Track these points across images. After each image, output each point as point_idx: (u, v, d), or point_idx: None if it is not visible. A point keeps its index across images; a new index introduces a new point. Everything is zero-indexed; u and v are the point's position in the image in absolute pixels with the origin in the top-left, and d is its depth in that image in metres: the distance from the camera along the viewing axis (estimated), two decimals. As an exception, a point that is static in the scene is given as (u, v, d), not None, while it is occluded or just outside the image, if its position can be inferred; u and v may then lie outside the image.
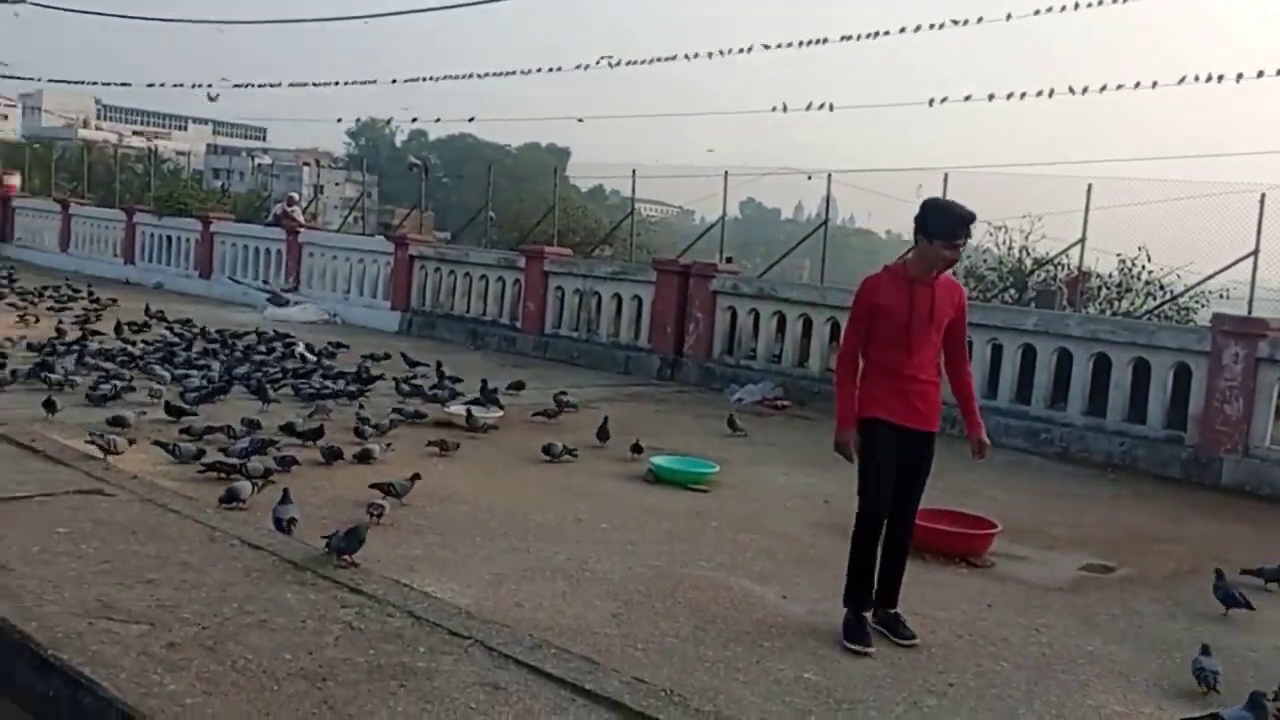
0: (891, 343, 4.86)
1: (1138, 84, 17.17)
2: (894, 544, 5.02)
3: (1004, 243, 17.89)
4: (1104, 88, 17.94)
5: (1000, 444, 10.47)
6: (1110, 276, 16.98)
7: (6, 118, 78.28)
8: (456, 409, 9.44)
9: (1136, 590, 6.11)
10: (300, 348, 12.40)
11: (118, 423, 7.62)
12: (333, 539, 4.81)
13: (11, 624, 3.72)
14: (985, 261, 18.39)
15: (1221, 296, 14.56)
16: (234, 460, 6.78)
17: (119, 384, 9.18)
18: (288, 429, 7.88)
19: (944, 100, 18.71)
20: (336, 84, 28.72)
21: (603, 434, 8.77)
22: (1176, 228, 14.17)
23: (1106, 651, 5.04)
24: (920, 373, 4.88)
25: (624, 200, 22.46)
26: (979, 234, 17.61)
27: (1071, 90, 17.76)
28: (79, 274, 21.21)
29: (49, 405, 7.89)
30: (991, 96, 18.52)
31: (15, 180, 27.93)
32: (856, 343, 4.97)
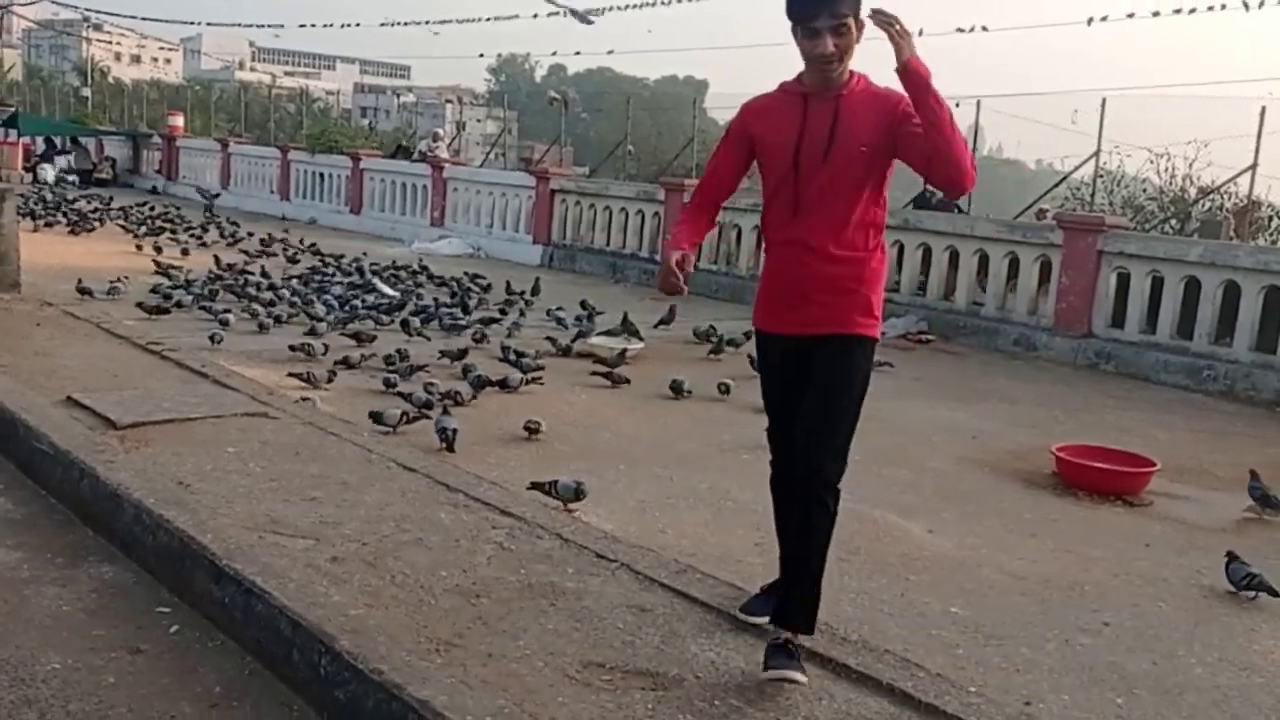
0: (776, 195, 3.29)
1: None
2: (793, 512, 3.30)
3: (1166, 170, 16.99)
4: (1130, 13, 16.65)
5: (1160, 381, 10.11)
6: (1284, 205, 15.96)
7: (170, 61, 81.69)
8: (598, 340, 9.55)
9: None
10: (380, 286, 12.16)
11: (305, 350, 8.07)
12: (554, 486, 5.12)
13: (191, 535, 3.94)
14: (1145, 191, 17.51)
15: None
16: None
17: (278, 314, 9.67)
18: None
19: (1104, 19, 17.73)
20: (478, 20, 28.91)
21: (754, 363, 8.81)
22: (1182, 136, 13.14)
23: (1274, 602, 4.81)
24: (821, 243, 3.22)
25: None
26: (1138, 161, 16.75)
27: (1245, 5, 16.56)
28: (238, 210, 22.10)
29: (213, 338, 8.35)
30: (1156, 14, 17.47)
31: (179, 121, 29.14)
32: (707, 180, 3.57)
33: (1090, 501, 6.07)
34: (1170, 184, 17.09)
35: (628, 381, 8.10)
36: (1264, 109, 13.02)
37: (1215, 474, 6.94)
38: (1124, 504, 6.09)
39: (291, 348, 8.17)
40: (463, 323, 10.07)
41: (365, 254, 14.91)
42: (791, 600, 3.26)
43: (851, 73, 3.19)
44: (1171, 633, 4.34)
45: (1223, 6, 17.11)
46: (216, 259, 13.16)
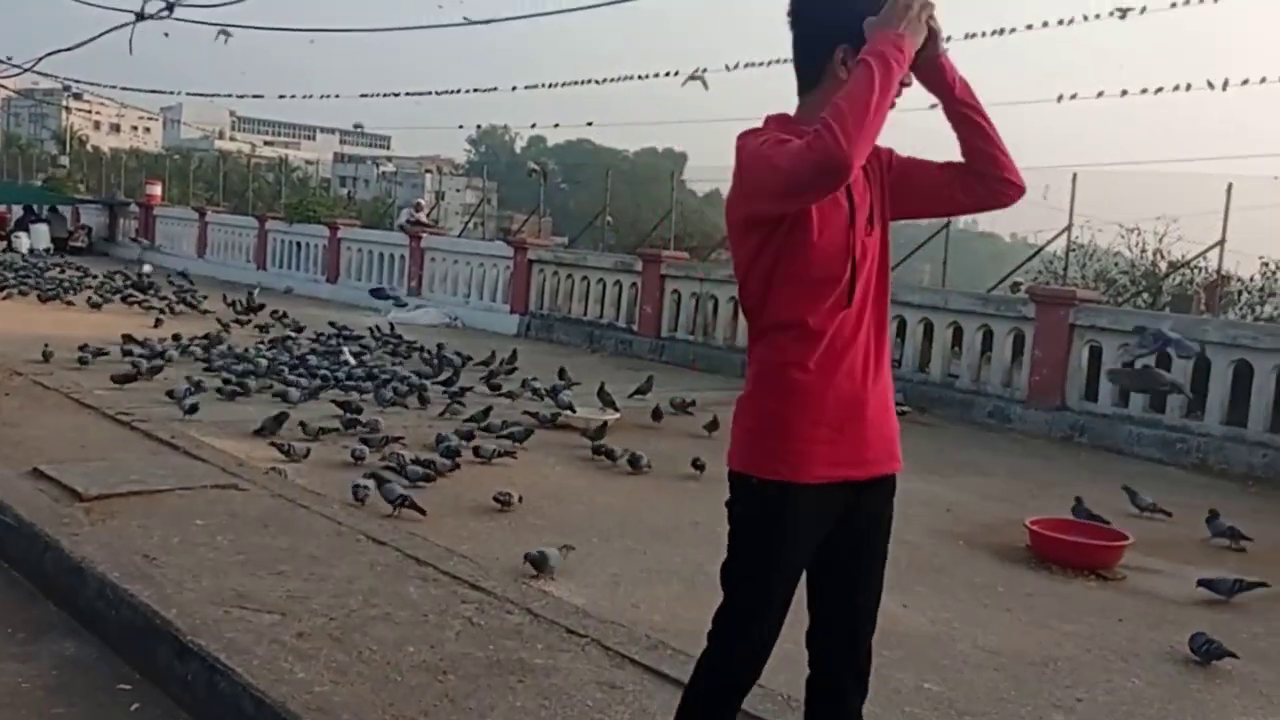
0: (820, 283, 2.38)
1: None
2: None
3: (1137, 245, 17.26)
4: (1245, 81, 17.08)
5: (1133, 454, 10.16)
6: (1252, 280, 16.22)
7: (149, 130, 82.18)
8: (574, 412, 9.54)
9: (1279, 608, 5.82)
10: (345, 354, 12.07)
11: (277, 423, 7.94)
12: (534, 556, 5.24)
13: (155, 609, 3.88)
14: (1117, 265, 17.77)
15: (1374, 301, 13.79)
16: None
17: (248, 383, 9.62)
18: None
19: (1074, 97, 18.09)
20: (458, 92, 29.24)
21: (712, 426, 8.83)
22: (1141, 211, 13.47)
23: (1247, 671, 4.80)
24: (875, 344, 2.49)
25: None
26: (1110, 236, 17.06)
27: (1210, 84, 16.98)
28: (214, 279, 22.09)
29: (193, 409, 8.25)
30: (1124, 93, 17.86)
31: (157, 190, 29.24)
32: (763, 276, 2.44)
33: (1064, 575, 6.06)
34: (1141, 258, 17.36)
35: (613, 454, 7.93)
36: (1230, 185, 13.31)
37: (1188, 548, 6.95)
38: (1097, 578, 6.09)
39: (256, 431, 7.95)
40: (438, 393, 10.06)
41: (340, 329, 14.89)
42: None
43: None
44: (1145, 708, 4.32)
45: (1189, 87, 17.54)
46: (215, 330, 13.12)
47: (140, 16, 10.77)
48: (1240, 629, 5.37)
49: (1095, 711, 4.23)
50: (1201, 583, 5.90)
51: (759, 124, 2.44)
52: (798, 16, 2.45)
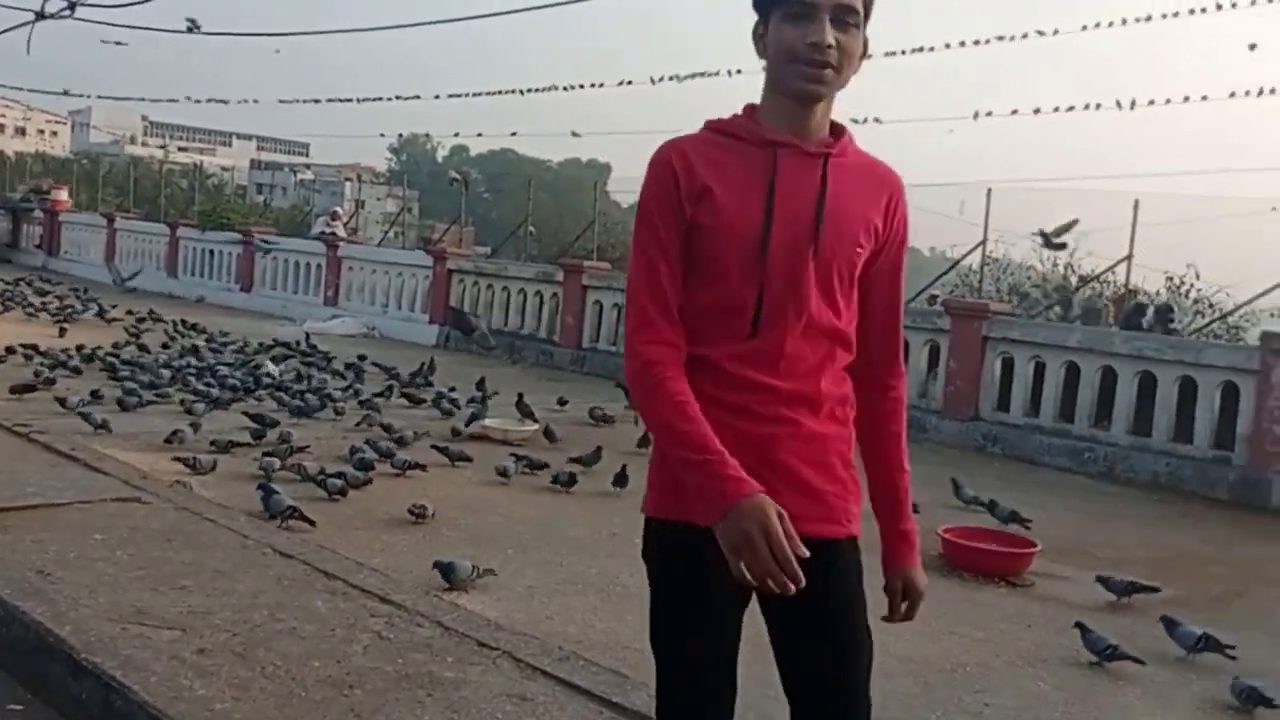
0: (726, 305, 2.03)
1: (1186, 98, 16.99)
2: None
3: (1049, 259, 17.69)
4: (1151, 101, 17.72)
5: (1044, 463, 10.39)
6: (1158, 294, 16.72)
7: (56, 134, 79.87)
8: (491, 423, 9.46)
9: (1181, 612, 5.96)
10: (268, 366, 11.86)
11: (176, 437, 7.72)
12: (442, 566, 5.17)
13: (48, 628, 3.74)
14: (1029, 278, 18.19)
15: (1272, 315, 14.28)
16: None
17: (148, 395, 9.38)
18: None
19: (989, 114, 18.57)
20: (379, 99, 28.94)
21: (644, 442, 8.70)
22: (1227, 245, 13.98)
23: (1147, 673, 4.92)
24: (806, 389, 2.07)
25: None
26: (1024, 249, 17.44)
27: (1119, 104, 17.59)
28: (123, 288, 21.50)
29: (104, 425, 7.99)
30: (1037, 110, 18.40)
31: (63, 195, 28.40)
32: (657, 289, 2.03)
33: (975, 582, 6.16)
34: (1053, 272, 17.79)
35: (545, 466, 7.84)
36: (1137, 202, 13.71)
37: (1094, 554, 7.11)
38: (1007, 584, 6.20)
39: (167, 440, 7.77)
40: (349, 403, 9.90)
41: (246, 342, 14.60)
42: None
43: (836, 124, 2.09)
44: (1050, 711, 4.39)
45: (1098, 106, 18.12)
46: (129, 337, 12.75)
47: (40, 16, 10.46)
48: (1142, 632, 5.50)
49: (1002, 715, 4.30)
50: (1099, 579, 6.06)
51: (689, 131, 2.10)
52: None
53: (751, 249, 1.98)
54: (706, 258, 2.01)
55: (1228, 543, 7.92)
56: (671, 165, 2.01)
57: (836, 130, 2.08)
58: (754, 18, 2.05)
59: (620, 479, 7.44)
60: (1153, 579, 6.27)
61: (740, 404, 2.03)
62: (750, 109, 2.08)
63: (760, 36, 2.03)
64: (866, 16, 2.02)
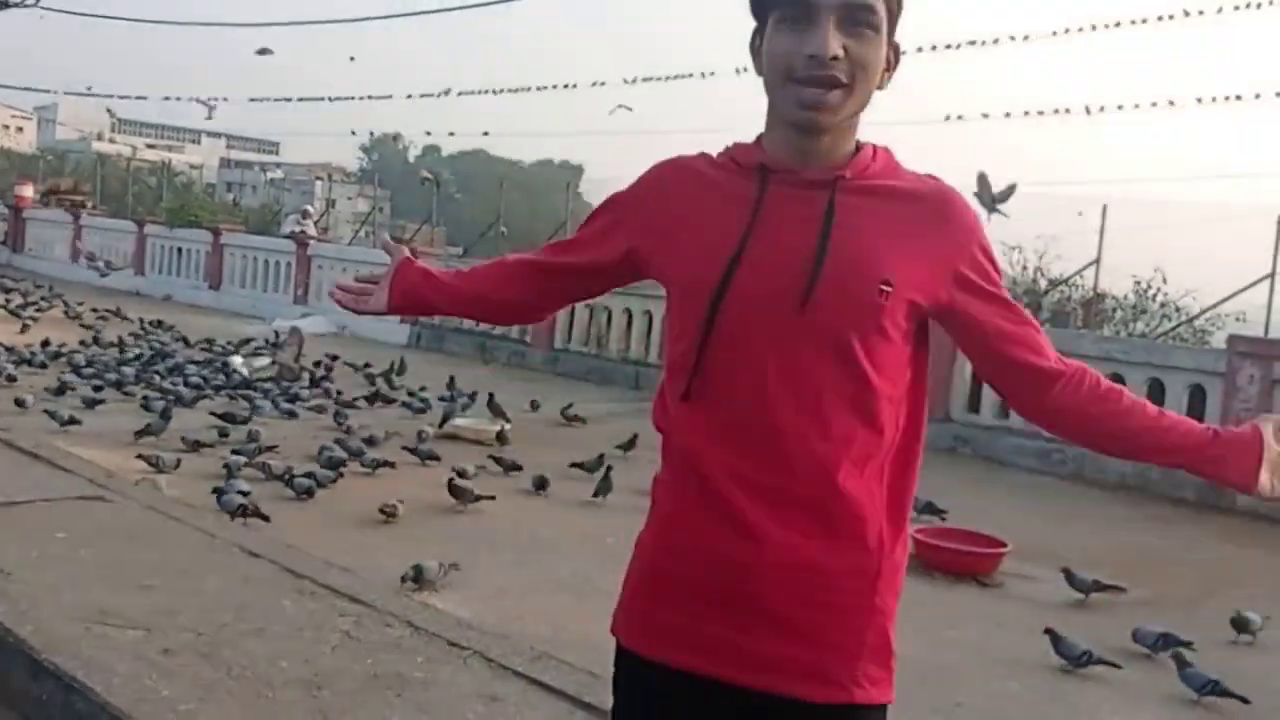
0: (678, 364, 1.66)
1: (1154, 104, 17.18)
2: None
3: (1018, 263, 17.84)
4: (1120, 106, 17.93)
5: (1014, 465, 10.44)
6: (1126, 298, 16.89)
7: (21, 130, 78.86)
8: (463, 422, 9.41)
9: (1149, 613, 6.00)
10: (236, 362, 11.72)
11: (149, 433, 7.63)
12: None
13: (7, 628, 3.67)
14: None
15: (1238, 319, 14.46)
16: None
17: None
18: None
19: (959, 118, 18.74)
20: (350, 99, 28.83)
21: (628, 445, 8.60)
22: (1194, 250, 14.15)
23: (1117, 674, 4.94)
24: (801, 478, 1.59)
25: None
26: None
27: (1088, 110, 17.78)
28: (88, 285, 21.26)
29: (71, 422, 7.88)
30: (1008, 114, 18.58)
31: (28, 191, 27.98)
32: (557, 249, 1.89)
33: (945, 582, 6.17)
34: (1023, 275, 17.94)
35: (519, 468, 7.77)
36: (1105, 207, 13.85)
37: (1063, 555, 7.13)
38: (978, 584, 6.22)
39: (138, 435, 7.70)
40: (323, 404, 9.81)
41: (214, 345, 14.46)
42: None
43: (864, 144, 1.67)
44: (1021, 711, 4.41)
45: (1067, 110, 18.31)
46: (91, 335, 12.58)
47: (3, 4, 10.31)
48: (1110, 633, 5.53)
49: (973, 715, 4.30)
50: (1065, 571, 6.10)
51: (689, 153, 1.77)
52: None
53: (706, 297, 1.59)
54: (672, 298, 1.70)
55: (1193, 543, 7.99)
56: (645, 186, 1.76)
57: (862, 150, 1.65)
58: (751, 25, 1.66)
59: (605, 484, 7.30)
60: (1120, 579, 6.31)
61: (699, 498, 1.61)
62: (760, 137, 1.70)
63: (757, 49, 1.63)
64: (893, 18, 1.60)
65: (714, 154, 1.73)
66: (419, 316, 2.08)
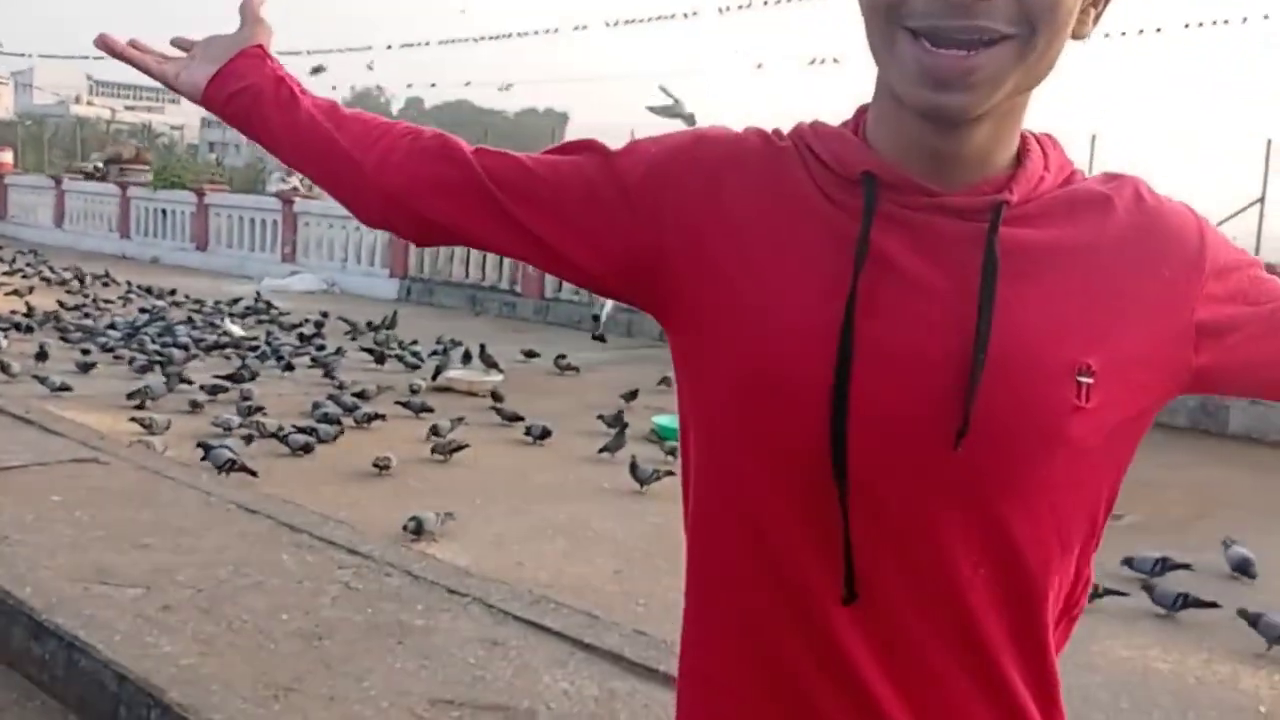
0: (775, 496, 0.97)
1: (1124, 33, 17.10)
2: None
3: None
4: (1106, 35, 17.81)
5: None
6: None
7: (-1, 96, 77.88)
8: (457, 373, 9.41)
9: (1141, 537, 6.05)
10: (227, 324, 11.75)
11: (142, 395, 7.62)
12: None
13: (6, 590, 3.68)
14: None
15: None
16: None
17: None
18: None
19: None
20: (330, 51, 28.45)
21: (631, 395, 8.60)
22: (1178, 175, 14.13)
23: (1111, 599, 4.99)
24: (914, 694, 0.95)
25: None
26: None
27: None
28: (73, 250, 21.12)
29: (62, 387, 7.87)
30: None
31: (8, 157, 27.71)
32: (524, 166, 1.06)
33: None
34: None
35: (520, 418, 7.72)
36: (1094, 137, 13.80)
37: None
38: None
39: (130, 398, 7.67)
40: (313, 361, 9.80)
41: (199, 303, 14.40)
42: None
43: (1027, 138, 0.99)
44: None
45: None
46: (60, 302, 12.53)
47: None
48: (1105, 558, 5.57)
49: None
50: None
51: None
52: None
53: (809, 409, 0.93)
54: (713, 407, 1.07)
55: (1184, 467, 8.04)
56: (683, 166, 1.03)
57: (1031, 155, 0.98)
58: None
59: (619, 439, 7.12)
60: (1114, 506, 6.34)
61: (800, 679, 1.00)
62: (863, 110, 1.02)
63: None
64: None
65: (781, 134, 1.04)
66: (235, 128, 1.47)
